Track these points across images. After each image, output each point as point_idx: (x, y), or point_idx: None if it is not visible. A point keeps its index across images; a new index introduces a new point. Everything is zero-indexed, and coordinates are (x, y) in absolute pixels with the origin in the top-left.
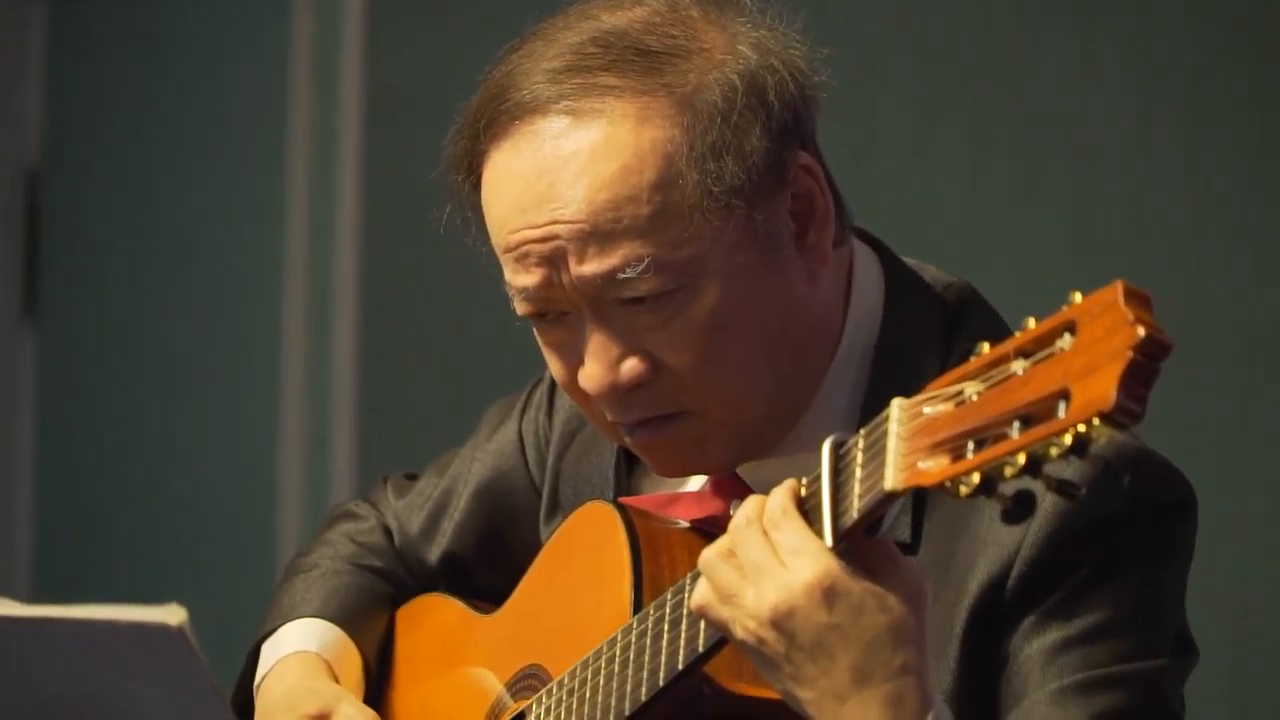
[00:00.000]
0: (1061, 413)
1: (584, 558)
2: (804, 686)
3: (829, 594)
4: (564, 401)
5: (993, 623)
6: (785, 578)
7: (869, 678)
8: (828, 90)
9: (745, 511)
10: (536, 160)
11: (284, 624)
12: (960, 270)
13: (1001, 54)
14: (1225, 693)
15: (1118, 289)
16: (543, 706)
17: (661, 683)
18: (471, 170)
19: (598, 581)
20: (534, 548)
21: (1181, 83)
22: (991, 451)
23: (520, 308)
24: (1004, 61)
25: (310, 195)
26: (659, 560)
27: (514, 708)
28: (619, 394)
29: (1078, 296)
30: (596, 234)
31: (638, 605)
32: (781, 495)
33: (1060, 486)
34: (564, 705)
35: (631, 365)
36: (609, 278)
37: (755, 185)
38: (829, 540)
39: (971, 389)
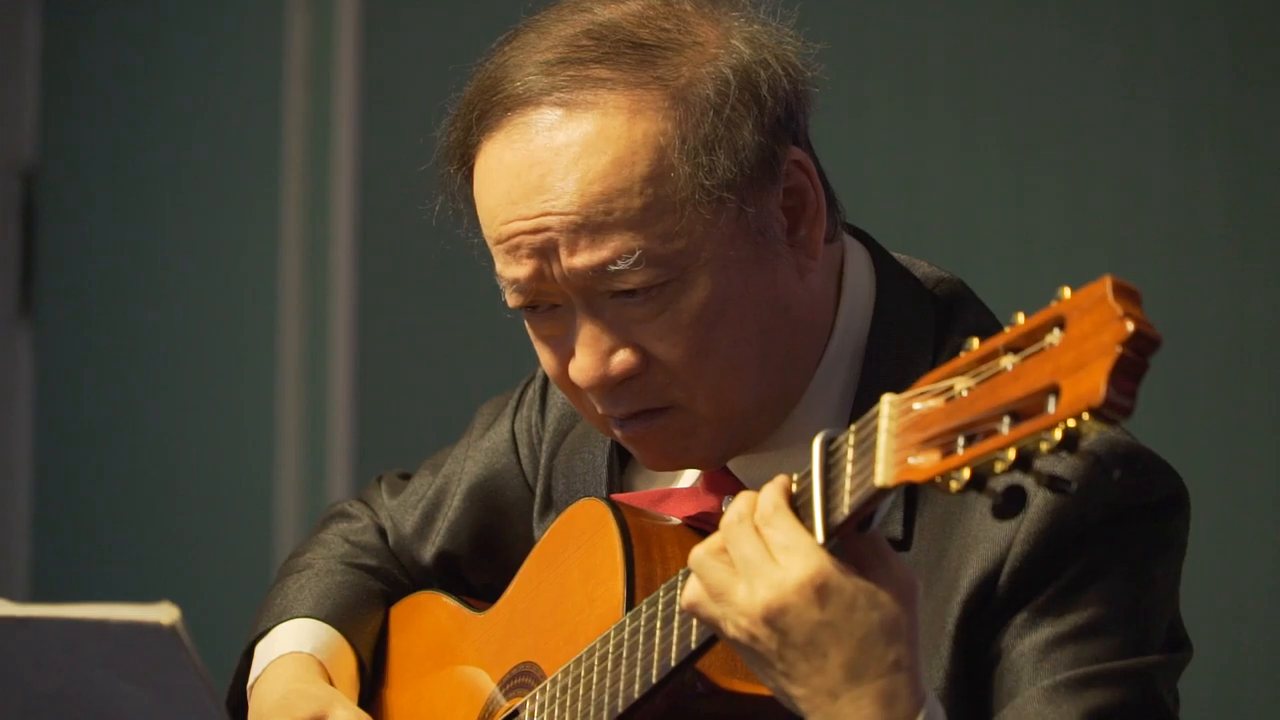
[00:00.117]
0: (1051, 408)
1: (576, 555)
2: (796, 684)
3: (821, 591)
4: (556, 399)
5: (985, 619)
6: (777, 575)
7: (861, 675)
8: (820, 86)
9: (737, 508)
10: (528, 152)
11: (277, 624)
12: (952, 266)
13: (993, 51)
14: (1218, 688)
15: (1106, 284)
16: (536, 704)
17: (654, 680)
18: (464, 162)
19: (590, 579)
20: (528, 545)
21: (1172, 77)
22: (981, 447)
23: (511, 300)
24: (996, 59)
25: (305, 194)
26: (651, 557)
27: (507, 706)
28: (609, 386)
29: (1067, 292)
30: (588, 226)
31: (630, 602)
32: (773, 492)
33: (1051, 482)
34: (557, 703)
35: (622, 358)
36: (600, 269)
37: (747, 179)
38: (820, 537)
39: (961, 384)
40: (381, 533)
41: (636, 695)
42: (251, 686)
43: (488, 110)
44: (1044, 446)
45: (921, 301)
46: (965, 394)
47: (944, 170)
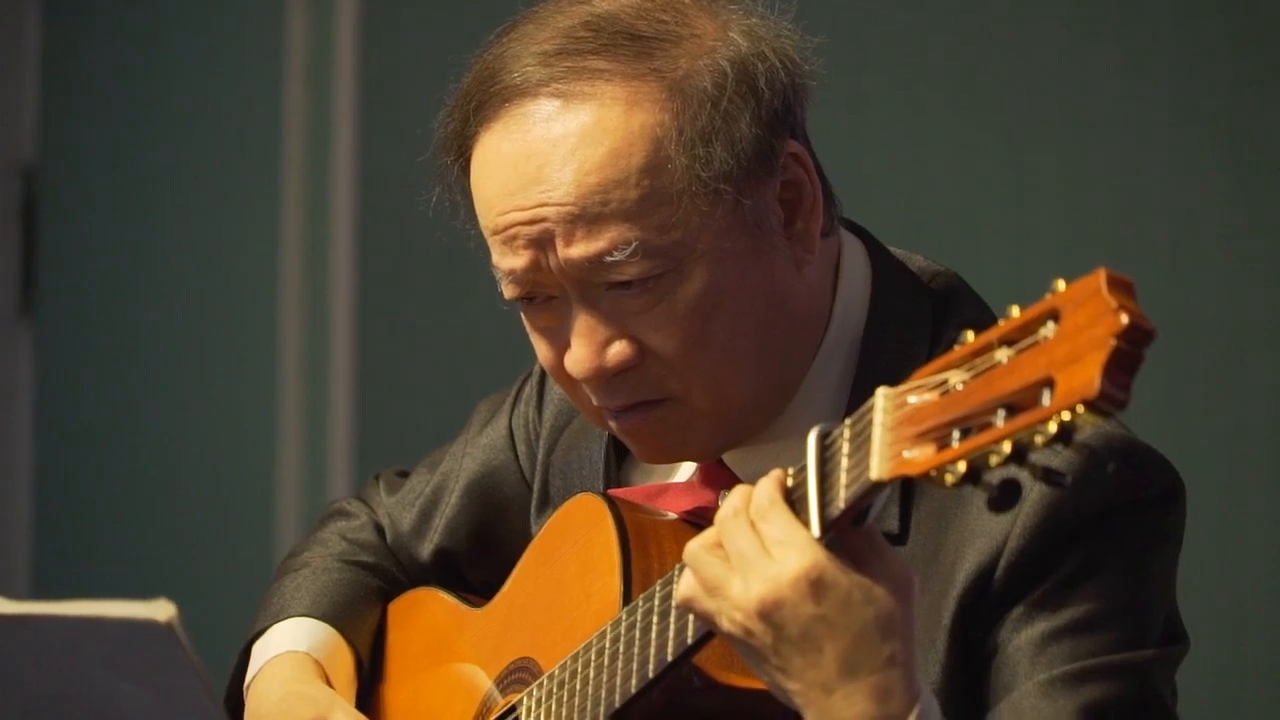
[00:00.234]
0: (1046, 401)
1: (573, 550)
2: (791, 678)
3: (816, 586)
4: (553, 395)
5: (981, 614)
6: (773, 570)
7: (856, 669)
8: (818, 80)
9: (732, 503)
10: (525, 143)
11: (274, 624)
12: (950, 261)
13: (992, 47)
14: (1218, 687)
15: (1100, 276)
16: (533, 699)
17: (651, 674)
18: (461, 152)
19: (587, 574)
20: (525, 541)
21: (1169, 72)
22: (976, 440)
23: (507, 291)
24: (994, 54)
25: (305, 194)
26: (648, 552)
27: (504, 701)
28: (605, 378)
29: (1061, 284)
30: (584, 217)
31: (627, 597)
32: (768, 486)
33: (1046, 474)
34: (555, 698)
35: (618, 349)
36: (596, 260)
37: (744, 171)
38: (816, 531)
39: (956, 378)
40: (379, 530)
41: (633, 690)
42: (248, 686)
43: (485, 101)
44: (1039, 440)
45: (918, 295)
46: (960, 387)
47: (942, 165)
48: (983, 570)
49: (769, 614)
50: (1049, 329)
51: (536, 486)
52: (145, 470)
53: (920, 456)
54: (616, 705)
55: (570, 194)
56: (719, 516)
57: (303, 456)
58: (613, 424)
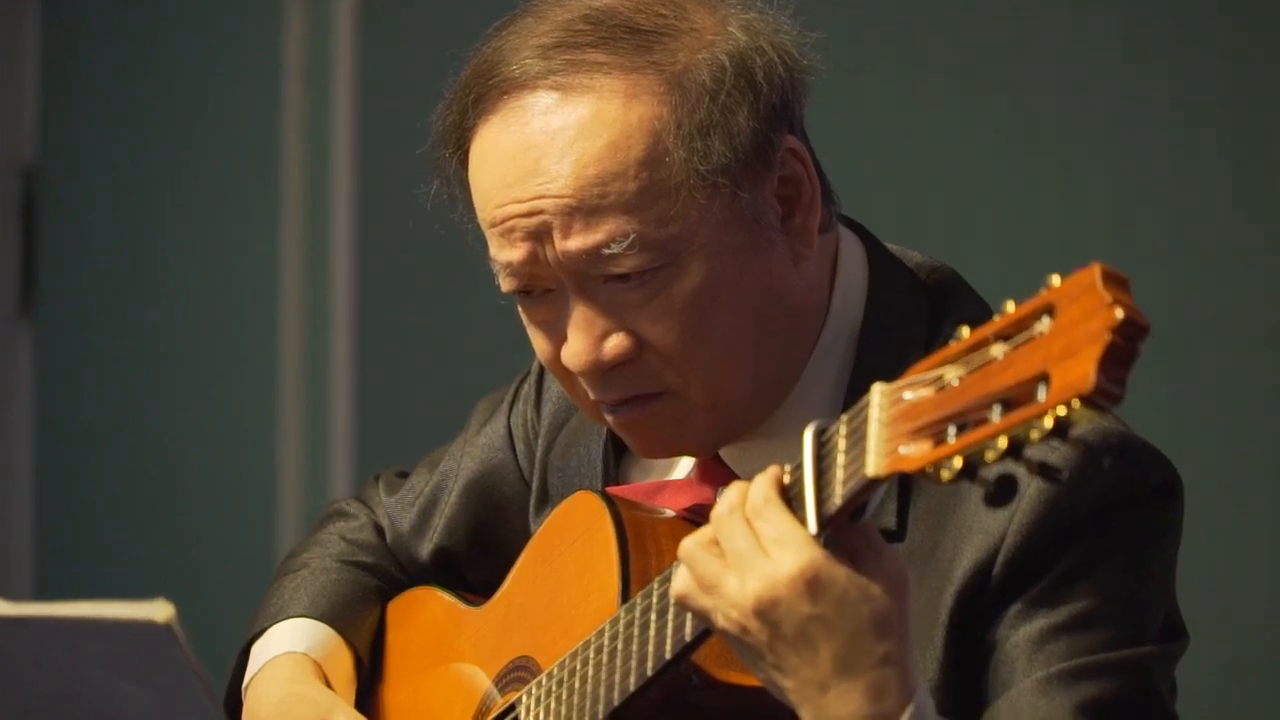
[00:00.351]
0: (1041, 396)
1: (571, 548)
2: (786, 676)
3: (812, 584)
4: (552, 394)
5: (979, 610)
6: (769, 568)
7: (852, 668)
8: (816, 75)
9: (728, 500)
10: (523, 135)
11: (273, 624)
12: (948, 257)
13: (990, 42)
14: (1218, 687)
15: (1095, 271)
16: (532, 698)
17: (650, 672)
18: (459, 145)
19: (585, 572)
20: (525, 540)
21: (1167, 68)
22: (972, 435)
23: (505, 284)
24: (992, 50)
25: (305, 194)
26: (646, 550)
27: (503, 700)
28: (602, 371)
29: (1056, 279)
30: (582, 209)
31: (625, 595)
32: (764, 483)
33: (1042, 470)
34: (554, 696)
35: (615, 342)
36: (594, 253)
37: (742, 165)
38: (813, 528)
39: (952, 373)
40: (379, 530)
41: (632, 688)
42: (247, 687)
43: (484, 94)
44: (1035, 435)
45: (915, 291)
46: (956, 383)
47: (939, 161)
48: (980, 566)
49: (765, 612)
50: (1044, 324)
51: (535, 485)
52: (145, 470)
53: (916, 452)
54: (615, 703)
55: (568, 186)
56: (715, 514)
57: (303, 456)
58: (609, 418)
